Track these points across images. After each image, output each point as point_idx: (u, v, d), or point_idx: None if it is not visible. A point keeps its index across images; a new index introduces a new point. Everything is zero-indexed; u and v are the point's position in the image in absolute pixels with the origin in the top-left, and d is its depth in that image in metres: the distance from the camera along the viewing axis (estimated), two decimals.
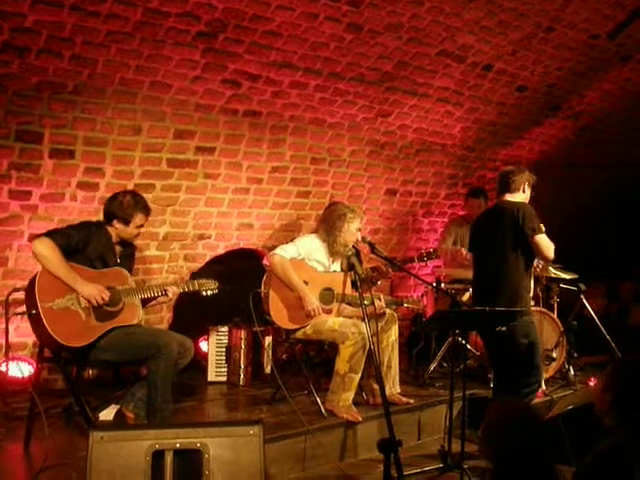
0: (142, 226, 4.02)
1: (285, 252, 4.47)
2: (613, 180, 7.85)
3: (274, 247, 4.60)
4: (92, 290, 3.65)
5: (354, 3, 4.35)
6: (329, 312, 4.50)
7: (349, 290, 4.55)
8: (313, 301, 4.40)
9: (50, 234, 3.70)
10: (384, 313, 4.54)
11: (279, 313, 4.44)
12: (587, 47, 5.59)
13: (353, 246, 4.65)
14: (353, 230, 4.55)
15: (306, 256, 4.53)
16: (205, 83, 4.56)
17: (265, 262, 4.53)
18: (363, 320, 3.70)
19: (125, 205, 3.91)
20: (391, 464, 2.86)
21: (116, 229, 3.93)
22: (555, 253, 4.26)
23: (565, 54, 5.60)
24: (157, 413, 3.69)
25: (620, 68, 6.08)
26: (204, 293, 4.12)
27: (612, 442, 2.20)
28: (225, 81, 4.61)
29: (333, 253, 4.59)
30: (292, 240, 4.72)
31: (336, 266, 4.68)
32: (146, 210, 4.00)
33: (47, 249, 3.60)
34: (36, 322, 3.56)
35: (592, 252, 7.23)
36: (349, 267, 4.15)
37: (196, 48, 4.27)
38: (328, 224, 4.61)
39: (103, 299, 3.67)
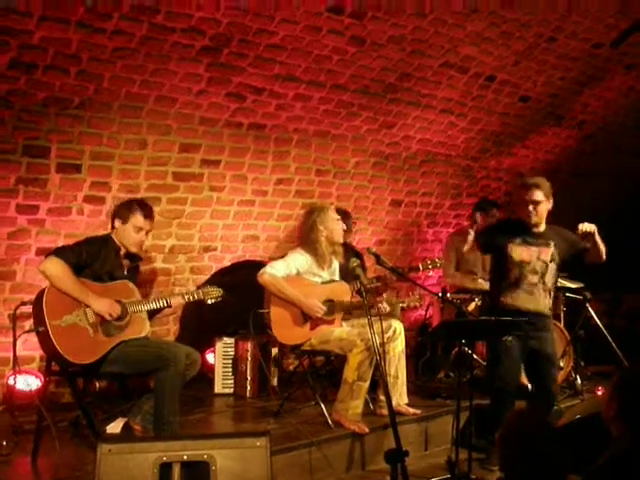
0: (142, 230, 3.91)
1: (275, 270, 4.38)
2: (618, 188, 7.83)
3: (282, 257, 4.58)
4: (104, 305, 3.67)
5: (357, 16, 4.38)
6: (332, 322, 4.48)
7: (348, 297, 4.53)
8: (312, 303, 4.37)
9: (59, 253, 3.68)
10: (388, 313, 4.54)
11: (281, 331, 4.42)
12: (590, 56, 5.62)
13: (358, 255, 4.62)
14: (330, 224, 4.49)
15: (302, 271, 4.47)
16: (210, 97, 4.59)
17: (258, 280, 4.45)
18: (370, 330, 3.68)
19: (126, 204, 3.97)
20: (398, 475, 2.86)
21: (116, 230, 3.91)
22: None
23: (568, 64, 5.63)
24: (164, 425, 3.68)
25: (623, 77, 6.10)
26: (209, 301, 4.07)
27: (617, 451, 2.20)
28: (229, 95, 4.65)
29: (326, 259, 4.52)
30: (282, 257, 4.62)
31: (332, 273, 4.62)
32: (144, 211, 3.92)
33: (58, 268, 3.60)
34: (44, 339, 3.56)
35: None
36: (354, 277, 4.14)
37: (201, 62, 4.31)
38: (304, 236, 4.56)
39: (115, 313, 3.69)
